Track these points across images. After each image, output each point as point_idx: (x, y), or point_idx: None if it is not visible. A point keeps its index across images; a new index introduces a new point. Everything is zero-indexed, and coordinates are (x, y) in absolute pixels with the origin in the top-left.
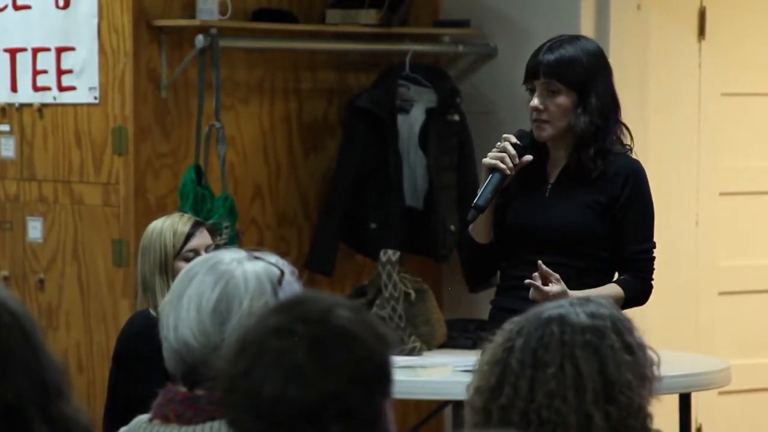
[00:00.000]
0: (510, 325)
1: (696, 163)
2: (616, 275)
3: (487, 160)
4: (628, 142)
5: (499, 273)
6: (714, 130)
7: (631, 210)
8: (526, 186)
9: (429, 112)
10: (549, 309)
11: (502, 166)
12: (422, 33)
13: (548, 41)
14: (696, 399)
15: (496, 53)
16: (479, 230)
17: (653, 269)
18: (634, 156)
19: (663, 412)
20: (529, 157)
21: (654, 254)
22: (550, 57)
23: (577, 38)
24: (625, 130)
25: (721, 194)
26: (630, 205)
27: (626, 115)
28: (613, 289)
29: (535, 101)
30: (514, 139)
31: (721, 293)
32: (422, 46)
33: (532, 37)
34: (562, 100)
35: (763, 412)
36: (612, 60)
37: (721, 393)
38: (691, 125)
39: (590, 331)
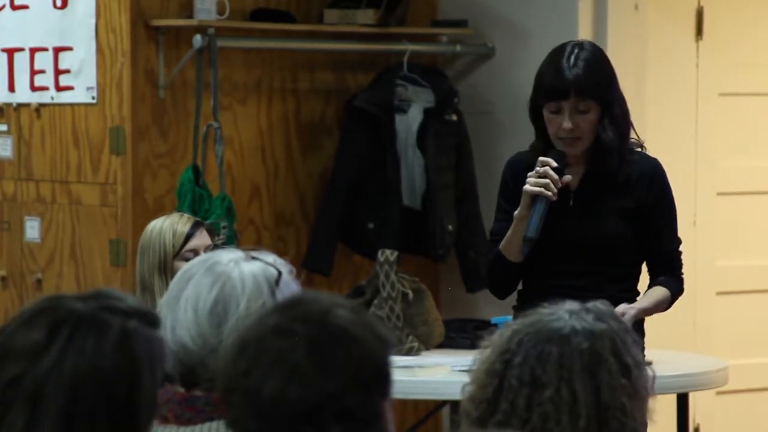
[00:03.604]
0: (507, 331)
1: (693, 163)
2: (643, 272)
3: (530, 188)
4: (634, 137)
5: (522, 282)
6: (711, 130)
7: (660, 212)
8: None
9: (427, 112)
10: (547, 321)
11: (548, 193)
12: (420, 33)
13: (562, 55)
14: (694, 399)
15: (494, 53)
16: (513, 250)
17: (682, 264)
18: (647, 151)
19: (661, 412)
20: (568, 177)
21: (681, 250)
22: (579, 74)
23: (581, 45)
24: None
25: (719, 194)
26: (659, 206)
27: None
28: (662, 293)
29: (568, 123)
30: (554, 164)
31: (719, 293)
32: (420, 46)
33: (529, 37)
34: (593, 115)
35: (761, 411)
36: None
37: (718, 393)
38: (689, 125)
39: (588, 353)
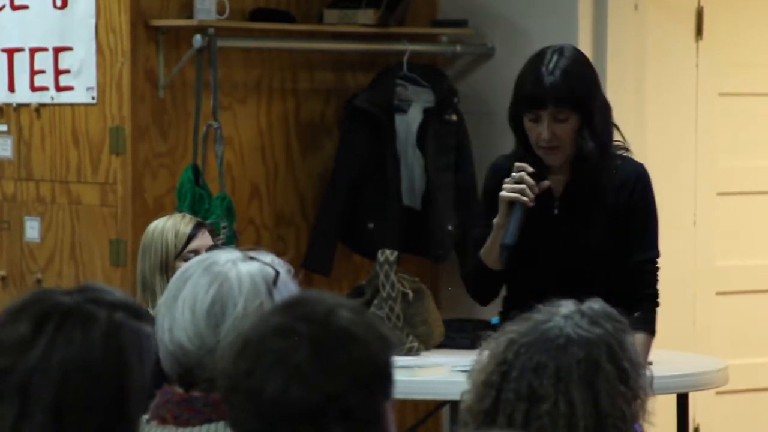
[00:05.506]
0: (503, 338)
1: (693, 163)
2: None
3: (506, 194)
4: (619, 139)
5: (506, 286)
6: (711, 130)
7: (635, 217)
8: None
9: (426, 112)
10: (543, 330)
11: (524, 199)
12: (420, 33)
13: (541, 62)
14: (693, 399)
15: (494, 53)
16: (493, 257)
17: (657, 280)
18: (632, 155)
19: (660, 412)
20: (547, 183)
21: (658, 264)
22: (557, 83)
23: (561, 50)
24: (616, 129)
25: (719, 194)
26: (635, 212)
27: (623, 116)
28: (643, 339)
29: (546, 133)
30: (530, 168)
31: (719, 293)
32: (420, 46)
33: (529, 37)
34: (572, 124)
35: (760, 411)
36: (609, 60)
37: (718, 393)
38: (689, 125)
39: (585, 363)
